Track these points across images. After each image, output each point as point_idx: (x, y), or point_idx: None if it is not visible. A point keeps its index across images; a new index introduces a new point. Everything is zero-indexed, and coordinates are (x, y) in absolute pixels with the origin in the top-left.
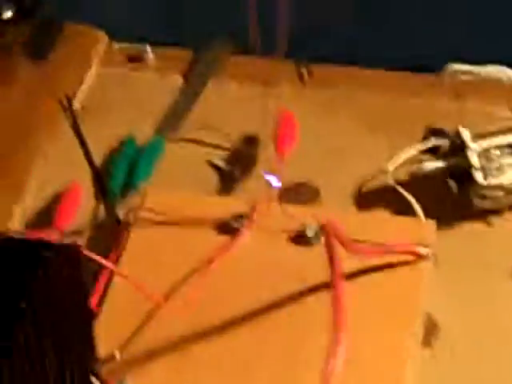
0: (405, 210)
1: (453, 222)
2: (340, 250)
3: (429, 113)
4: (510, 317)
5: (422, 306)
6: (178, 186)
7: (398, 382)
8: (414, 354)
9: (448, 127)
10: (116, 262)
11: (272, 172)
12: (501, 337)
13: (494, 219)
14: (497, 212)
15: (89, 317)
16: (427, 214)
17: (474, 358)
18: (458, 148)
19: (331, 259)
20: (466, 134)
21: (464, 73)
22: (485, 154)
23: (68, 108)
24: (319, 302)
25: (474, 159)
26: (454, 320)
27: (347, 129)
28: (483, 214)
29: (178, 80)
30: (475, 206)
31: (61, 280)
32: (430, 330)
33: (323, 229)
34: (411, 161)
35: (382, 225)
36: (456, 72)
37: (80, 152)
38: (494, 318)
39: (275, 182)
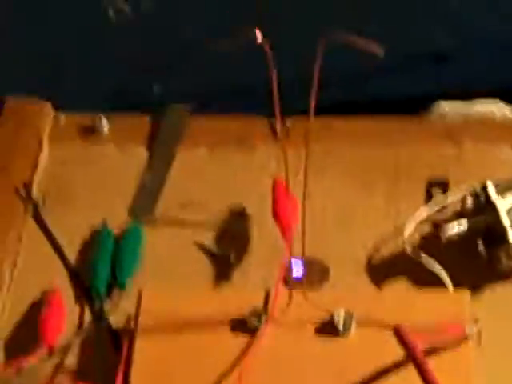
0: (427, 277)
1: (482, 289)
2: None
3: (424, 162)
4: None
5: None
6: (168, 277)
7: None
8: None
9: (448, 174)
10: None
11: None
12: None
13: None
14: None
15: None
16: (453, 280)
17: None
18: (481, 205)
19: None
20: (491, 190)
21: (453, 111)
22: None
23: (27, 198)
24: None
25: (504, 217)
26: None
27: (339, 190)
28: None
29: (141, 153)
30: (506, 267)
31: None
32: None
33: (395, 333)
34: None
35: (412, 302)
36: (445, 111)
37: (49, 250)
38: None
39: (299, 270)
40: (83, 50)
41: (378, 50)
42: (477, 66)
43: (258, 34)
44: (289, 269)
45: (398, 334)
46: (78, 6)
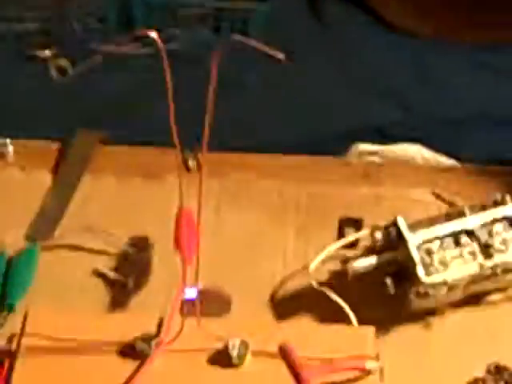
0: (331, 314)
1: (388, 326)
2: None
3: (339, 200)
4: None
5: None
6: (61, 302)
7: None
8: None
9: (362, 214)
10: None
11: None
12: None
13: (433, 320)
14: (434, 311)
15: None
16: (359, 317)
17: None
18: (391, 241)
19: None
20: (402, 225)
21: (372, 153)
22: (424, 246)
23: None
24: None
25: (415, 253)
26: None
27: (251, 222)
28: (421, 315)
29: (45, 176)
30: (413, 306)
31: None
32: None
33: (280, 351)
34: (329, 257)
35: (314, 336)
36: (363, 153)
37: None
38: None
39: (192, 295)
40: None
41: (279, 54)
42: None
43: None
44: (183, 294)
45: (283, 351)
46: None
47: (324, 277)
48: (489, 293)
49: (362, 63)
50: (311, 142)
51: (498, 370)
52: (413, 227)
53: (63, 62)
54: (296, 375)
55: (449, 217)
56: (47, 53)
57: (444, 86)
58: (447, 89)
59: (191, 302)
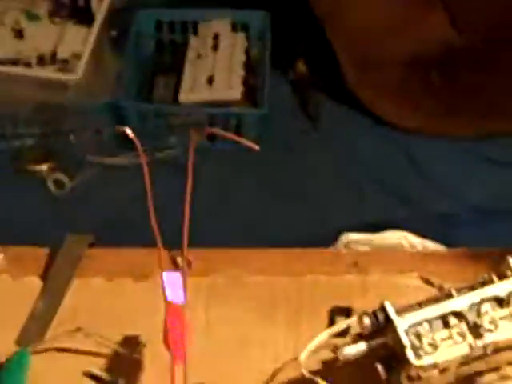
0: None
1: None
2: None
3: (328, 291)
4: None
5: None
6: None
7: None
8: None
9: (352, 303)
10: None
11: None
12: None
13: None
14: None
15: None
16: None
17: None
18: (380, 326)
19: None
20: (390, 309)
21: (360, 242)
22: (413, 329)
23: None
24: None
25: (403, 336)
26: None
27: (240, 318)
28: None
29: (34, 282)
30: None
31: None
32: None
33: None
34: (320, 347)
35: None
36: (351, 242)
37: None
38: None
39: None
40: None
41: (253, 145)
42: None
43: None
44: None
45: None
46: None
47: (315, 367)
48: (482, 374)
49: (355, 159)
50: (308, 240)
51: None
52: (401, 311)
53: (60, 176)
54: None
55: (437, 300)
56: (44, 167)
57: (435, 178)
58: (439, 181)
59: None
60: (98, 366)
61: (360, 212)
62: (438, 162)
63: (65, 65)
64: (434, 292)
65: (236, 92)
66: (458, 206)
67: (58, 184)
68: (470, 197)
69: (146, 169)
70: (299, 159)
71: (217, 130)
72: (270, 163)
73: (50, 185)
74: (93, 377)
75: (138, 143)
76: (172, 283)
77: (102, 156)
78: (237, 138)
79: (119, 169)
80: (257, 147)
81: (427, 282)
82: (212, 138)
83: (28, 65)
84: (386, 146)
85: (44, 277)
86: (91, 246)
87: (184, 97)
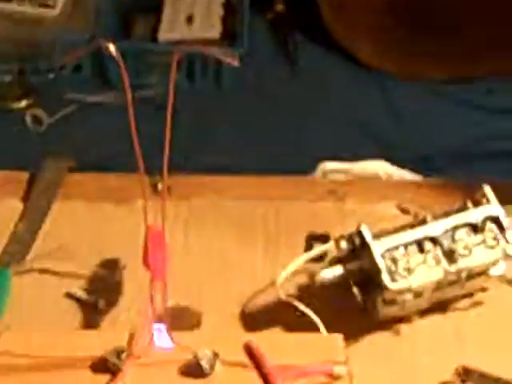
0: (301, 326)
1: (358, 335)
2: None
3: (306, 218)
4: None
5: None
6: (34, 323)
7: None
8: None
9: (329, 230)
10: None
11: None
12: None
13: (402, 327)
14: (402, 319)
15: None
16: (329, 328)
17: None
18: (356, 251)
19: (266, 378)
20: (366, 233)
21: (338, 171)
22: (389, 253)
23: None
24: None
25: (379, 260)
26: None
27: (219, 242)
28: (389, 323)
29: (15, 204)
30: (381, 313)
31: None
32: None
33: (245, 349)
34: (297, 272)
35: (282, 345)
36: (329, 171)
37: None
38: None
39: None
40: None
41: (233, 59)
42: None
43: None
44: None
45: (248, 348)
46: None
47: (292, 290)
48: (456, 299)
49: (334, 101)
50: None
51: (466, 372)
52: (377, 236)
53: (38, 112)
54: (265, 380)
55: (412, 225)
56: (23, 103)
57: (413, 120)
58: (417, 124)
59: (162, 317)
60: (78, 288)
61: (335, 149)
62: (413, 104)
63: (44, 0)
64: (410, 220)
65: (215, 31)
66: (432, 150)
67: (37, 120)
68: (444, 140)
69: (128, 95)
70: (276, 98)
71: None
72: (247, 103)
73: (28, 120)
74: (73, 297)
75: (121, 63)
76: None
77: (81, 93)
78: (216, 52)
79: (98, 106)
80: (236, 63)
81: (404, 210)
82: (191, 77)
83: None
84: (361, 87)
85: (25, 200)
86: (71, 170)
87: (163, 35)
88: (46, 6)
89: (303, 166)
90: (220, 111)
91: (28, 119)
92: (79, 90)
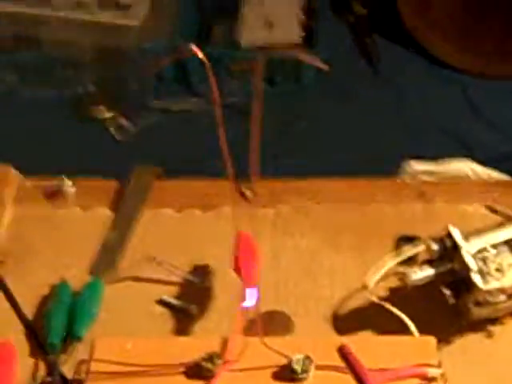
0: (393, 329)
1: (450, 337)
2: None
3: (395, 220)
4: None
5: None
6: (127, 331)
7: None
8: None
9: (417, 231)
10: None
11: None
12: None
13: (494, 329)
14: (495, 320)
15: None
16: (421, 331)
17: None
18: (447, 253)
19: (362, 381)
20: (457, 234)
21: (425, 172)
22: (480, 254)
23: None
24: None
25: (470, 261)
26: None
27: (309, 247)
28: (481, 325)
29: (104, 213)
30: (473, 315)
31: None
32: None
33: (341, 352)
34: (387, 274)
35: (376, 348)
36: (416, 172)
37: (7, 306)
38: None
39: (252, 302)
40: None
41: (322, 65)
42: None
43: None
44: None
45: (343, 352)
46: None
47: (383, 293)
48: None
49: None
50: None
51: None
52: (467, 237)
53: (123, 122)
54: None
55: (503, 226)
56: (107, 113)
57: (497, 121)
58: (501, 125)
59: (254, 321)
60: (169, 294)
61: (417, 148)
62: (497, 104)
63: (125, 9)
64: (499, 220)
65: (296, 35)
66: None
67: (121, 130)
68: None
69: (217, 98)
70: (357, 100)
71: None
72: (328, 105)
73: (113, 131)
74: (165, 304)
75: (207, 63)
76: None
77: (163, 101)
78: (304, 57)
79: (181, 113)
80: (326, 66)
81: (492, 210)
82: (271, 81)
83: (88, 10)
84: (442, 86)
85: (114, 208)
86: (159, 178)
87: (246, 41)
88: (128, 14)
89: (387, 167)
90: (303, 114)
91: (112, 129)
92: (163, 99)
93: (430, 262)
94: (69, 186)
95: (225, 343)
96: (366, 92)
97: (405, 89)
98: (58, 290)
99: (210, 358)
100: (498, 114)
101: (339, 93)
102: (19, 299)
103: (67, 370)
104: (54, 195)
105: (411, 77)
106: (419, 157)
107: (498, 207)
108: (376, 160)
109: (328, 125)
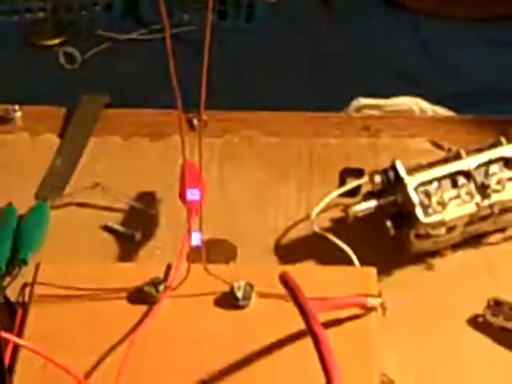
0: (334, 259)
1: (391, 269)
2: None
3: (340, 153)
4: (463, 363)
5: (377, 365)
6: (72, 255)
7: None
8: None
9: (363, 164)
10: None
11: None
12: None
13: (434, 261)
14: (435, 253)
15: None
16: (362, 262)
17: None
18: (390, 185)
19: (302, 308)
20: (400, 167)
21: (371, 107)
22: (422, 188)
23: None
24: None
25: (412, 194)
26: (410, 376)
27: (254, 177)
28: (422, 257)
29: (52, 139)
30: (413, 247)
31: None
32: None
33: (281, 280)
34: (331, 206)
35: (317, 277)
36: (363, 107)
37: None
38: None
39: (197, 240)
40: None
41: None
42: None
43: None
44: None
45: (284, 279)
46: None
47: (327, 224)
48: (488, 234)
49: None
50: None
51: (497, 304)
52: (411, 171)
53: (71, 50)
54: (301, 310)
55: (446, 160)
56: (56, 41)
57: (447, 61)
58: (451, 64)
59: (198, 249)
60: (115, 220)
61: (370, 87)
62: (447, 44)
63: None
64: (443, 156)
65: None
66: (469, 87)
67: (70, 57)
68: (481, 78)
69: (168, 31)
70: (310, 38)
71: None
72: (280, 41)
73: (61, 58)
74: (110, 230)
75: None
76: None
77: (112, 31)
78: None
79: (130, 43)
80: None
81: (437, 145)
82: (223, 15)
83: None
84: (396, 26)
85: (61, 135)
86: (107, 106)
87: None
88: None
89: (337, 103)
90: (254, 48)
91: (61, 56)
92: (111, 28)
93: (372, 195)
94: (16, 111)
95: (168, 270)
96: (320, 29)
97: (357, 28)
98: (4, 214)
99: (154, 283)
100: (447, 54)
101: (290, 28)
102: None
103: (11, 293)
104: (2, 121)
105: (364, 16)
106: (371, 94)
107: (443, 143)
108: (325, 97)
109: (279, 60)
